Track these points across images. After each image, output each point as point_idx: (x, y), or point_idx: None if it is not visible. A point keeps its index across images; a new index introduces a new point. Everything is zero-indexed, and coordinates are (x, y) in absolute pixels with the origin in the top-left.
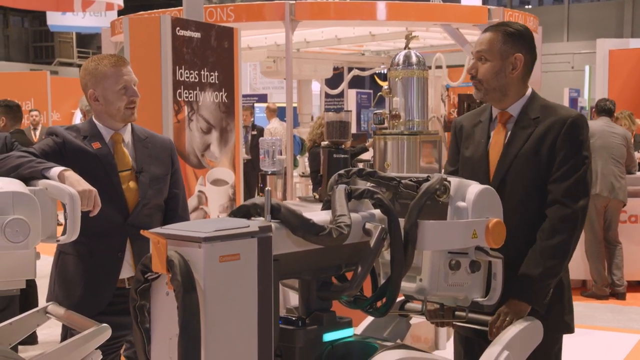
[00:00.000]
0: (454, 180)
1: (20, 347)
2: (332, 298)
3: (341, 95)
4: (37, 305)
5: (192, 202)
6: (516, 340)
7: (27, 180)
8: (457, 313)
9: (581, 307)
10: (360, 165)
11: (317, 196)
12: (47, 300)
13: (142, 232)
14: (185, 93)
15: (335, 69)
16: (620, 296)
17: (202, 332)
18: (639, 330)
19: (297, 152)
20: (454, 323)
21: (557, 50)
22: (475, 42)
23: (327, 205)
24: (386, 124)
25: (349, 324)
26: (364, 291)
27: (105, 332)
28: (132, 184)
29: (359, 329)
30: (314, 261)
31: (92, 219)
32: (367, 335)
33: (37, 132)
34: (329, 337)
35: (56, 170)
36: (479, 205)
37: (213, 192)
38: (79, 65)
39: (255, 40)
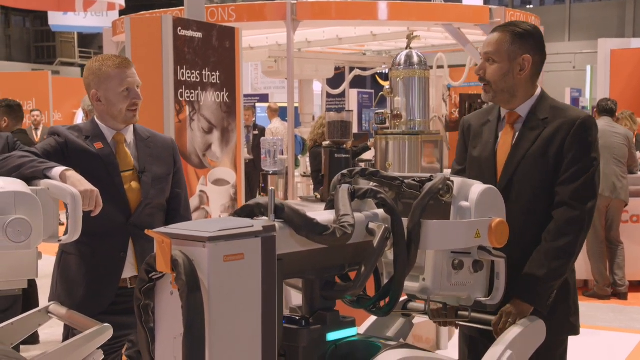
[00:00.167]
0: (457, 180)
1: (22, 346)
2: (335, 297)
3: (342, 95)
4: (37, 305)
5: (193, 202)
6: (519, 339)
7: (29, 180)
8: (460, 313)
9: (583, 307)
10: (362, 165)
11: (318, 196)
12: (50, 300)
13: (146, 231)
14: (187, 93)
15: (336, 68)
16: (622, 296)
17: (207, 332)
18: None
19: (299, 152)
20: (457, 323)
21: (558, 50)
22: (483, 43)
23: (331, 205)
24: (388, 124)
25: (352, 324)
26: (367, 291)
27: (107, 332)
28: (134, 184)
29: (361, 329)
30: (318, 261)
31: (94, 219)
32: (370, 334)
33: (39, 132)
34: (332, 336)
35: (58, 170)
36: (482, 205)
37: (214, 192)
38: (81, 65)
39: (256, 40)
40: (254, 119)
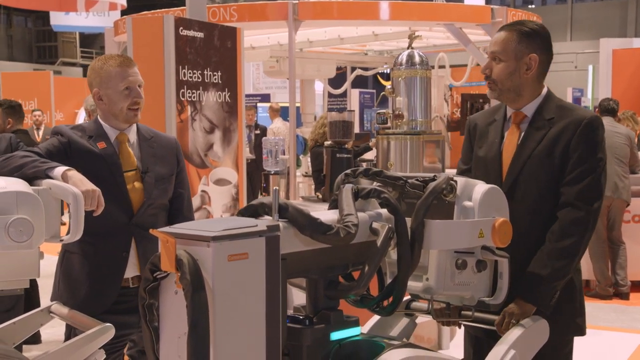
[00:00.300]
0: (460, 180)
1: (24, 346)
2: (339, 297)
3: (344, 95)
4: (39, 305)
5: (195, 201)
6: (523, 339)
7: (31, 180)
8: (463, 312)
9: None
10: (364, 165)
11: (320, 196)
12: (52, 299)
13: (151, 231)
14: (189, 93)
15: (338, 68)
16: (624, 296)
17: (211, 331)
18: None
19: (300, 152)
20: (460, 322)
21: (560, 50)
22: (490, 42)
23: (334, 204)
24: (389, 124)
25: (356, 323)
26: (370, 290)
27: (108, 332)
28: (137, 184)
29: (364, 328)
30: (322, 260)
31: (97, 219)
32: (374, 334)
33: (40, 132)
34: (336, 335)
35: (60, 170)
36: (486, 205)
37: (216, 191)
38: (82, 65)
39: (258, 40)
40: (255, 119)
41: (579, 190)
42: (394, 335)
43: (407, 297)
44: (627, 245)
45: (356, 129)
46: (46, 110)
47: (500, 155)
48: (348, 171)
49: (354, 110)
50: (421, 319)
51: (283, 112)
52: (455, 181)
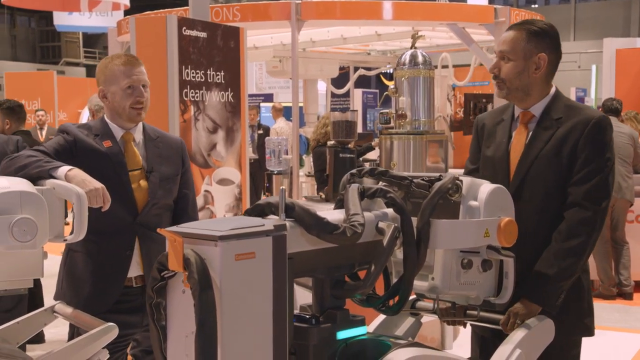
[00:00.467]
0: (465, 180)
1: (27, 346)
2: (345, 296)
3: (347, 94)
4: (42, 305)
5: (198, 201)
6: (528, 338)
7: (35, 179)
8: (468, 312)
9: None
10: (367, 165)
11: (322, 196)
12: (55, 298)
13: (158, 230)
14: (192, 93)
15: (341, 68)
16: (628, 296)
17: (218, 330)
18: None
19: (303, 152)
20: (469, 322)
21: (563, 50)
22: (498, 41)
23: (340, 204)
24: (392, 124)
25: (362, 322)
26: (376, 290)
27: (112, 332)
28: (142, 183)
29: (370, 328)
30: (328, 260)
31: (101, 217)
32: (379, 333)
33: (44, 132)
34: (342, 334)
35: (63, 169)
36: (491, 205)
37: (219, 191)
38: (86, 65)
39: (261, 39)
40: (258, 119)
41: (587, 190)
42: (399, 335)
43: (412, 297)
44: (630, 245)
45: (359, 129)
46: (49, 110)
47: (508, 155)
48: (354, 171)
49: (357, 110)
50: (425, 318)
51: (286, 112)
52: (461, 181)
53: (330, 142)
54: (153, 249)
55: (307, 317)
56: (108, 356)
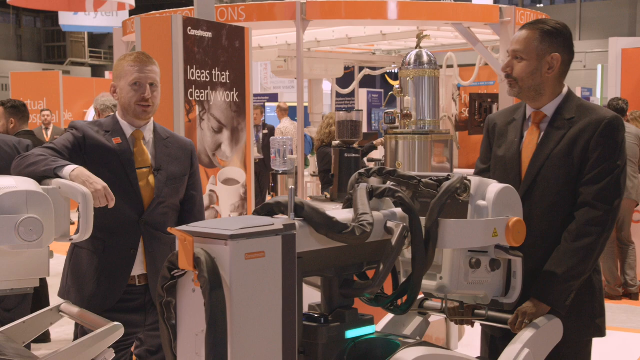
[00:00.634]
0: (474, 180)
1: (33, 345)
2: (354, 295)
3: (352, 94)
4: (48, 304)
5: (203, 201)
6: (536, 338)
7: (43, 178)
8: (476, 311)
9: None
10: (372, 165)
11: (327, 195)
12: (59, 294)
13: (169, 229)
14: (197, 93)
15: (346, 68)
16: (634, 296)
17: (228, 328)
18: None
19: (308, 152)
20: (479, 322)
21: None
22: (511, 40)
23: (349, 203)
24: (397, 124)
25: (370, 321)
26: (385, 289)
27: (118, 331)
28: (149, 181)
29: (378, 327)
30: (337, 259)
31: (107, 214)
32: (388, 332)
33: (49, 132)
34: (351, 334)
35: (68, 169)
36: (499, 204)
37: (224, 191)
38: (91, 65)
39: (266, 39)
40: (263, 118)
41: (598, 190)
42: (407, 334)
43: (420, 296)
44: (636, 245)
45: (364, 129)
46: (55, 110)
47: (520, 154)
48: (362, 170)
49: (362, 110)
50: (430, 318)
51: (291, 112)
52: (469, 180)
53: (336, 142)
54: (157, 248)
55: (316, 316)
56: (114, 355)
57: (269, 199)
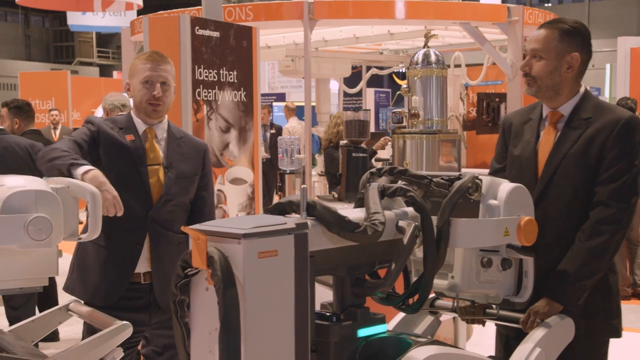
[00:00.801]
0: (485, 179)
1: (41, 344)
2: (366, 294)
3: (359, 94)
4: (57, 303)
5: None
6: (548, 337)
7: (59, 174)
8: (488, 310)
9: None
10: (379, 165)
11: (335, 195)
12: (64, 287)
13: (182, 228)
14: (204, 92)
15: (353, 67)
16: None
17: (242, 326)
18: None
19: (316, 151)
20: (494, 322)
21: None
22: (529, 39)
23: (360, 203)
24: (405, 123)
25: (382, 320)
26: (396, 288)
27: (126, 330)
28: (159, 178)
29: (389, 326)
30: (349, 258)
31: None
32: (399, 331)
33: (57, 132)
34: (363, 332)
35: (81, 170)
36: (511, 203)
37: (232, 190)
38: (99, 65)
39: (273, 39)
40: (270, 118)
41: (613, 189)
42: (418, 333)
43: (431, 295)
44: None
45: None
46: (63, 110)
47: (536, 154)
48: (373, 170)
49: (369, 110)
50: (445, 316)
51: (298, 112)
52: (481, 180)
53: (343, 142)
54: (163, 246)
55: (328, 314)
56: (122, 354)
57: (276, 198)
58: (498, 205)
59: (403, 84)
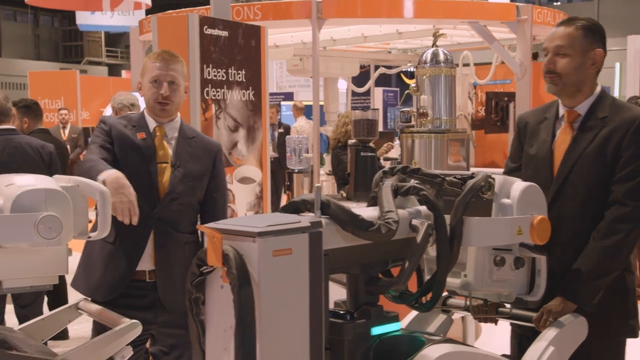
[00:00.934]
0: (498, 178)
1: (50, 342)
2: (379, 292)
3: (368, 93)
4: (66, 302)
5: None
6: (561, 336)
7: None
8: (500, 309)
9: None
10: (388, 164)
11: (343, 194)
12: (71, 282)
13: (198, 226)
14: (213, 91)
15: (361, 67)
16: None
17: (257, 324)
18: None
19: (324, 150)
20: (510, 322)
21: None
22: (548, 37)
23: (374, 201)
24: (413, 122)
25: (396, 318)
26: (409, 286)
27: (136, 329)
28: (166, 176)
29: (402, 324)
30: (363, 256)
31: None
32: (412, 330)
33: (66, 131)
34: (376, 330)
35: (102, 175)
36: (524, 202)
37: (240, 190)
38: (108, 64)
39: (282, 38)
40: (278, 117)
41: (629, 188)
42: (431, 331)
43: (444, 294)
44: None
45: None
46: (72, 109)
47: (552, 153)
48: (386, 169)
49: (377, 109)
50: (453, 316)
51: (307, 111)
52: (493, 179)
53: (352, 141)
54: (168, 245)
55: (342, 312)
56: (132, 353)
57: (284, 197)
58: (511, 204)
59: (411, 83)
